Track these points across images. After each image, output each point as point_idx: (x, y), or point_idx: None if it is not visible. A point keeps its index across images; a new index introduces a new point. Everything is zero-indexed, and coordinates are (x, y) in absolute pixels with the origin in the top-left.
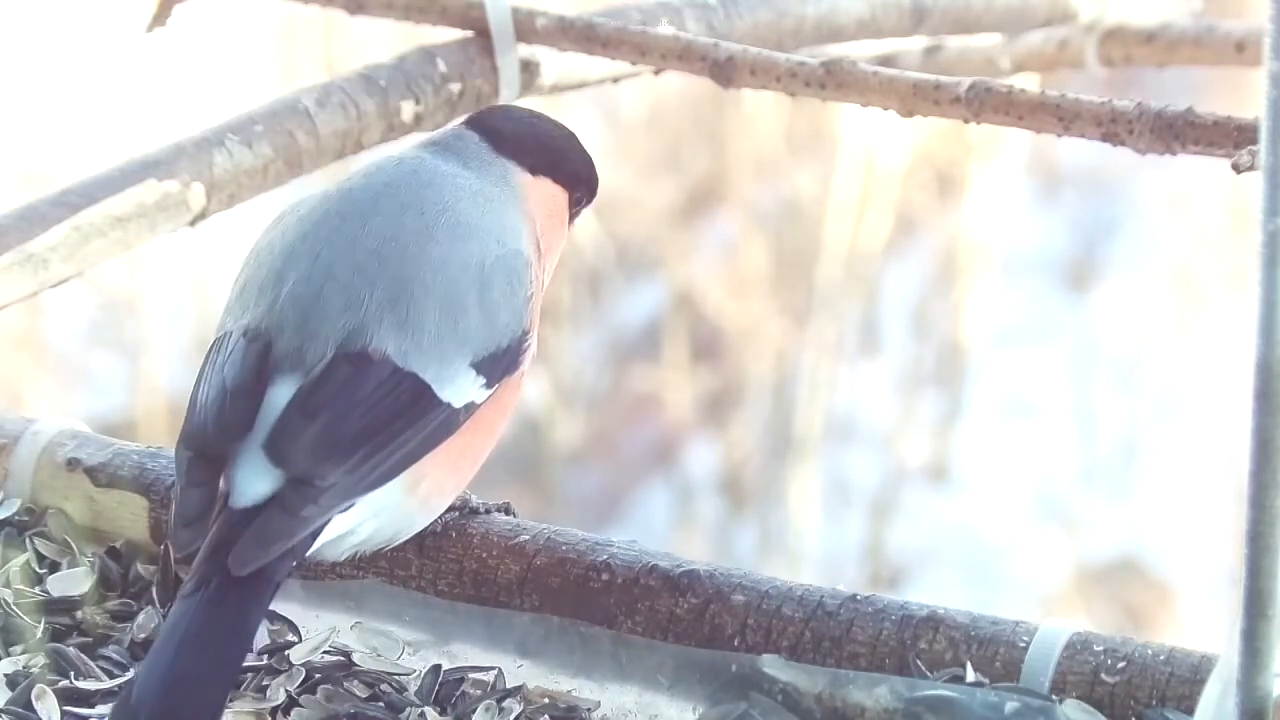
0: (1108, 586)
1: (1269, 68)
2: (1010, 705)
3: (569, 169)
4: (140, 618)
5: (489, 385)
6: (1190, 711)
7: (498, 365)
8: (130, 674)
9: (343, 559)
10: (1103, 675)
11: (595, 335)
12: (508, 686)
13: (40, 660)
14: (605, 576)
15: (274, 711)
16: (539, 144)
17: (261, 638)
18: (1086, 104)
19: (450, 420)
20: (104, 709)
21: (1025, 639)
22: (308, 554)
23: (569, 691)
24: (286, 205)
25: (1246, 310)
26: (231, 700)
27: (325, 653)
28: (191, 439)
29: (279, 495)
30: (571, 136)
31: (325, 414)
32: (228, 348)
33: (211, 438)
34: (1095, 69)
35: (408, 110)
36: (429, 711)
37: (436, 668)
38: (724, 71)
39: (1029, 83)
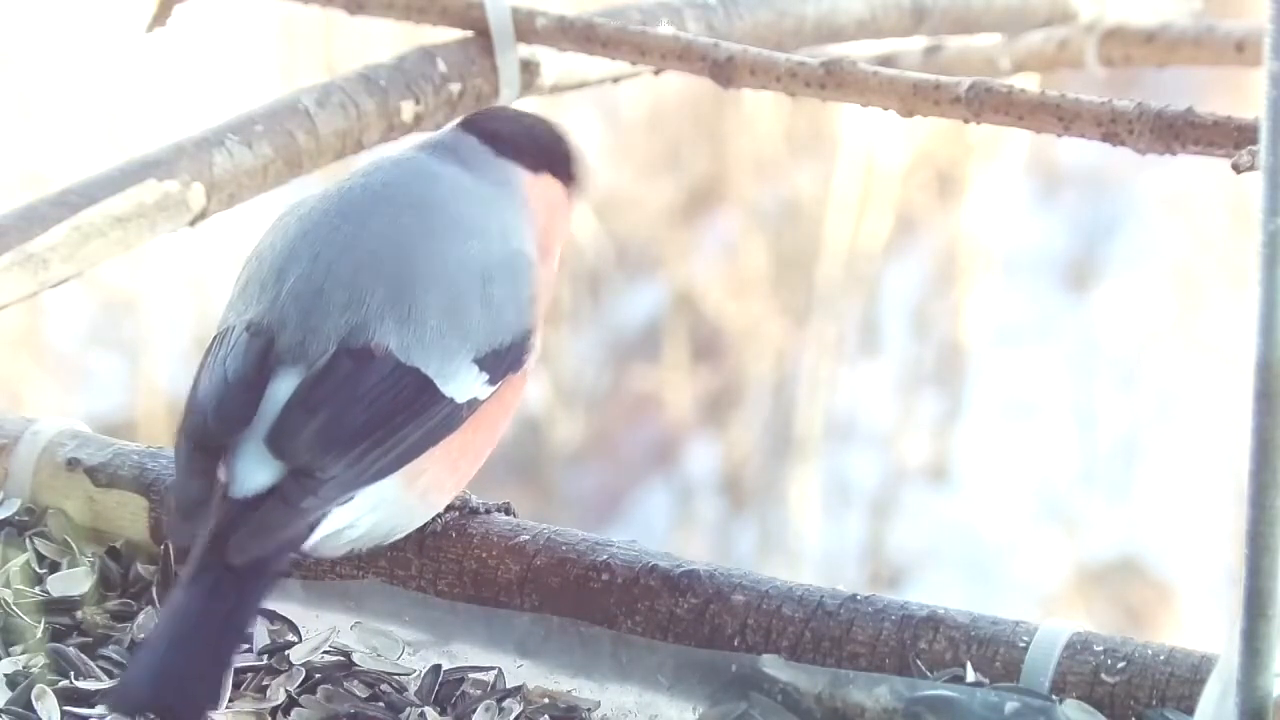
0: (1108, 586)
1: (1269, 68)
2: (1010, 705)
3: (567, 167)
4: (140, 618)
5: (492, 382)
6: (1190, 711)
7: (501, 362)
8: None
9: (340, 555)
10: (1103, 675)
11: (595, 335)
12: (508, 686)
13: (40, 660)
14: (605, 576)
15: (274, 711)
16: (537, 144)
17: (261, 637)
18: (1086, 104)
19: (453, 416)
20: (104, 709)
21: (1025, 639)
22: (306, 547)
23: (569, 691)
24: (287, 206)
25: (1246, 310)
26: (232, 700)
27: (325, 653)
28: (191, 430)
29: (279, 487)
30: (564, 134)
31: (327, 407)
32: (229, 341)
33: (212, 429)
34: (1095, 69)
35: (408, 110)
36: (429, 711)
37: (436, 668)
38: (724, 71)
39: (1029, 83)
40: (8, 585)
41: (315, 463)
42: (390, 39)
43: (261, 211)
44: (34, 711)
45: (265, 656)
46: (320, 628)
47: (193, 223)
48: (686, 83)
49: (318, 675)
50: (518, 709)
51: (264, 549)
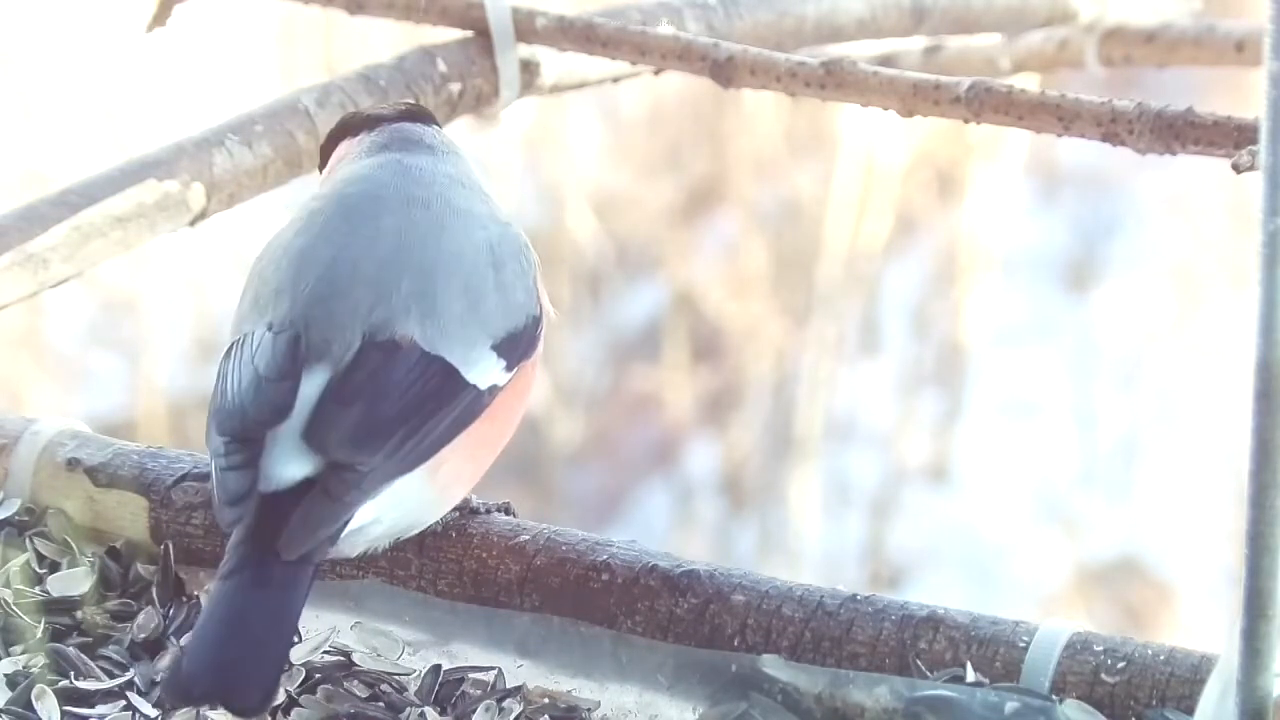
0: (1108, 586)
1: (1269, 68)
2: (1010, 705)
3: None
4: (140, 618)
5: (509, 369)
6: (1190, 711)
7: (516, 347)
8: (130, 673)
9: (356, 554)
10: (1103, 675)
11: (595, 335)
12: (508, 686)
13: (40, 660)
14: (605, 576)
15: (274, 711)
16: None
17: None
18: (1086, 104)
19: (476, 402)
20: (104, 709)
21: (1025, 639)
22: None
23: (569, 691)
24: (268, 241)
25: (1246, 310)
26: None
27: (325, 653)
28: (226, 424)
29: (322, 481)
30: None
31: (361, 400)
32: (253, 343)
33: (251, 422)
34: (1095, 69)
35: None
36: (429, 711)
37: (436, 668)
38: (724, 71)
39: (1029, 83)
40: (8, 585)
41: (354, 456)
42: (390, 39)
43: (261, 211)
44: (34, 711)
45: None
46: (320, 628)
47: (193, 223)
48: (686, 83)
49: (318, 675)
50: (518, 709)
51: (314, 542)
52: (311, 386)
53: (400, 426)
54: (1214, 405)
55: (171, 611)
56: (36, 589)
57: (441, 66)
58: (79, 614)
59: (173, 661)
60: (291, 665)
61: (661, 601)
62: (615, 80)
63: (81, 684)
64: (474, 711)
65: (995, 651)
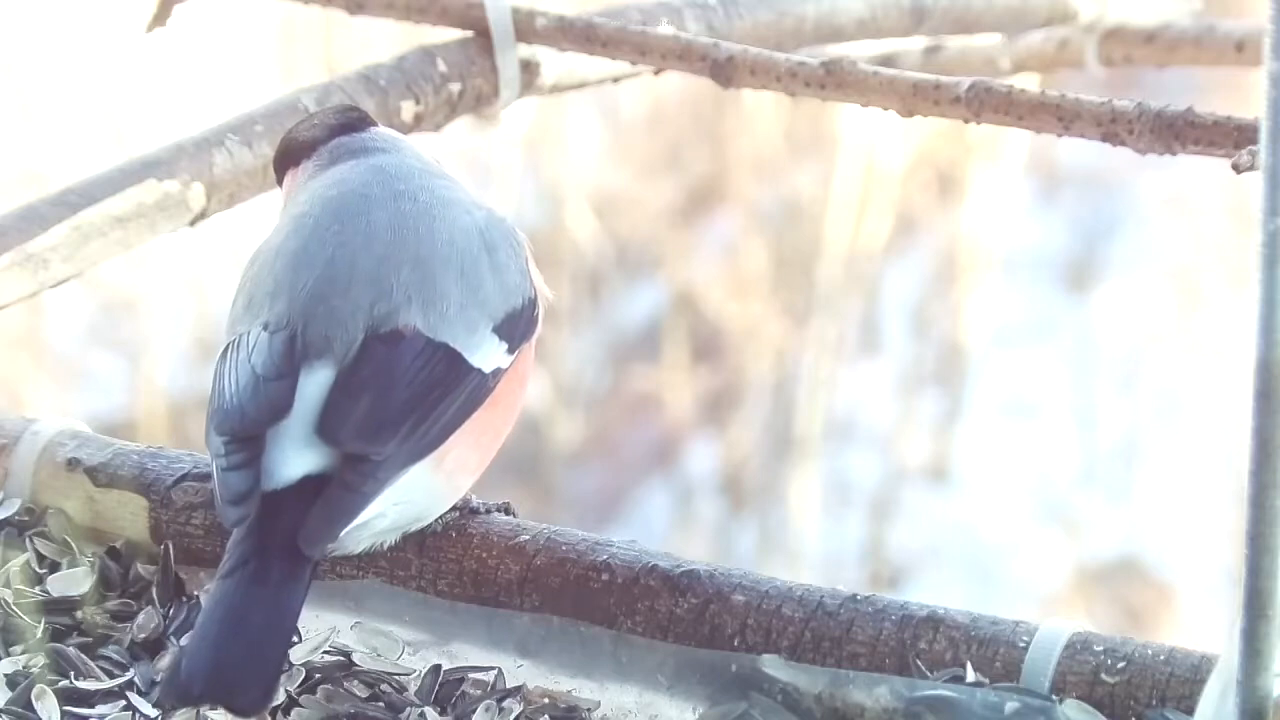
0: (1108, 586)
1: (1269, 68)
2: (1010, 705)
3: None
4: (140, 618)
5: (510, 351)
6: (1190, 711)
7: (516, 329)
8: (130, 673)
9: (360, 550)
10: (1103, 675)
11: (595, 335)
12: (508, 686)
13: (40, 660)
14: (605, 576)
15: (274, 711)
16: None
17: None
18: (1086, 104)
19: (481, 386)
20: (104, 709)
21: (1025, 639)
22: (342, 534)
23: (569, 691)
24: (256, 250)
25: (1246, 310)
26: None
27: (325, 653)
28: (225, 424)
29: (338, 474)
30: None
31: (369, 391)
32: (247, 344)
33: (250, 421)
34: (1095, 69)
35: (408, 110)
36: (429, 711)
37: (436, 668)
38: (724, 71)
39: (1029, 83)
40: (8, 585)
41: (368, 446)
42: (390, 39)
43: (262, 212)
44: (34, 711)
45: None
46: (320, 628)
47: (193, 223)
48: (686, 83)
49: (318, 675)
50: (518, 709)
51: (334, 536)
52: (312, 384)
53: (410, 414)
54: (1214, 405)
55: (171, 611)
56: (36, 589)
57: (441, 66)
58: (79, 614)
59: (172, 661)
60: (291, 665)
61: (661, 601)
62: (615, 80)
63: (81, 684)
64: (474, 711)
65: (995, 651)
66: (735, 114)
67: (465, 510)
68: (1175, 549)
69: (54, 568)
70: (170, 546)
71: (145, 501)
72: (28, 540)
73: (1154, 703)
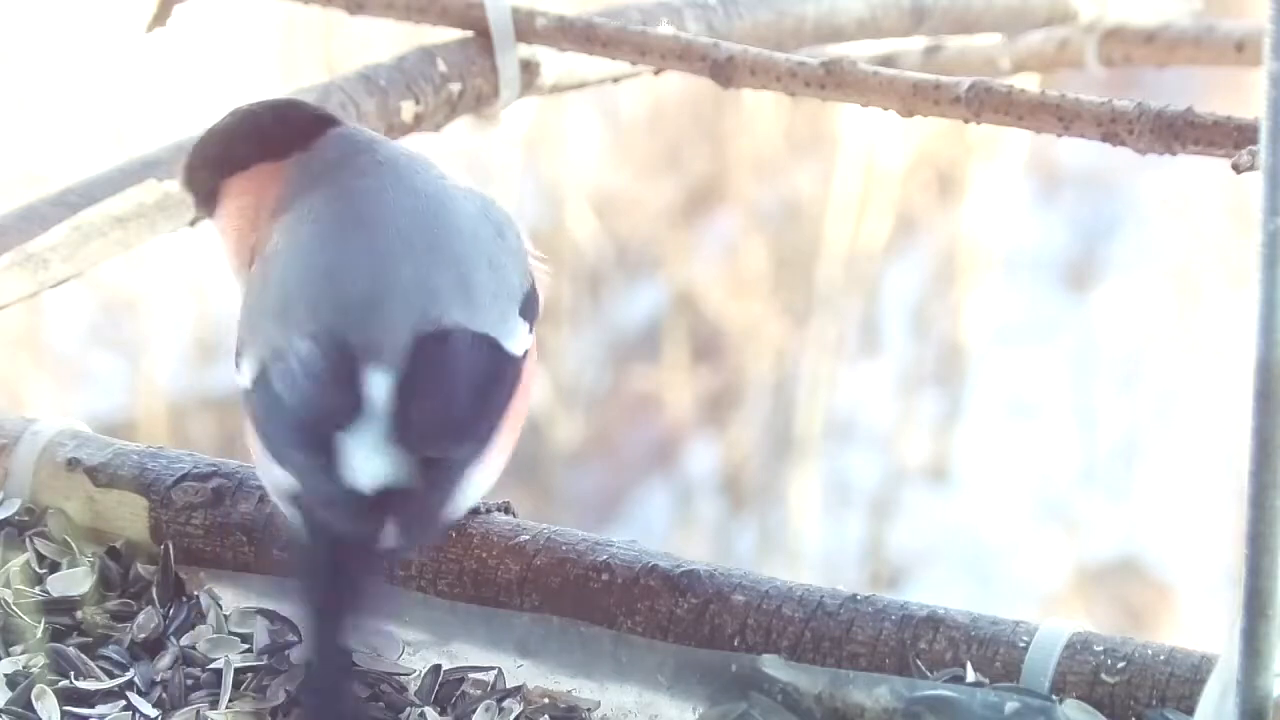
0: (1108, 586)
1: (1269, 68)
2: (1010, 705)
3: None
4: (140, 618)
5: (531, 330)
6: (1190, 711)
7: (531, 309)
8: (130, 673)
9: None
10: (1103, 675)
11: (595, 335)
12: (508, 686)
13: (40, 660)
14: (605, 576)
15: (274, 711)
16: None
17: (261, 637)
18: (1086, 104)
19: (517, 370)
20: (104, 709)
21: (1025, 639)
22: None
23: (569, 691)
24: (265, 267)
25: (1246, 310)
26: (231, 700)
27: None
28: (296, 437)
29: (421, 477)
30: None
31: (433, 393)
32: (298, 355)
33: (324, 430)
34: (1095, 69)
35: (408, 110)
36: (429, 711)
37: (436, 668)
38: (724, 71)
39: (1029, 83)
40: (8, 585)
41: (446, 449)
42: (390, 39)
43: None
44: (34, 711)
45: (265, 656)
46: None
47: (193, 223)
48: (686, 83)
49: None
50: (518, 709)
51: (435, 538)
52: (376, 389)
53: (474, 410)
54: (1214, 405)
55: (171, 611)
56: (36, 589)
57: (441, 66)
58: (79, 614)
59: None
60: (293, 665)
61: (661, 601)
62: (615, 80)
63: (81, 684)
64: (474, 711)
65: (995, 651)
66: (735, 114)
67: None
68: (1175, 549)
69: (54, 568)
70: (170, 546)
71: (145, 501)
72: (28, 540)
73: (1154, 703)
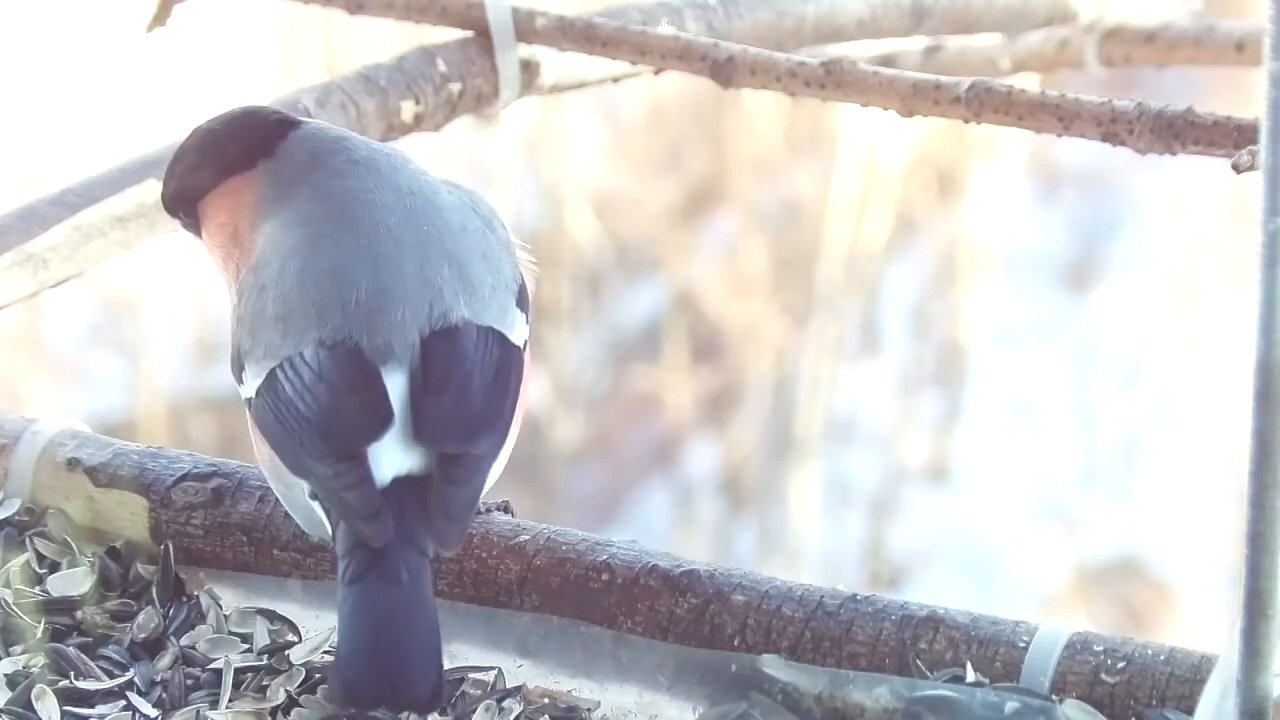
0: (1108, 586)
1: (1269, 68)
2: (1010, 705)
3: None
4: (140, 618)
5: (528, 320)
6: (1190, 711)
7: (525, 300)
8: (130, 673)
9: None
10: (1103, 675)
11: (595, 335)
12: (508, 686)
13: (40, 660)
14: (605, 576)
15: (274, 711)
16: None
17: (261, 637)
18: (1086, 104)
19: (521, 360)
20: (104, 709)
21: (1025, 639)
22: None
23: (569, 691)
24: (256, 276)
25: (1246, 310)
26: (232, 700)
27: (325, 653)
28: (326, 445)
29: (443, 474)
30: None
31: (449, 389)
32: (308, 362)
33: (349, 440)
34: (1095, 69)
35: (408, 110)
36: None
37: None
38: (724, 71)
39: (1029, 83)
40: (8, 585)
41: (468, 444)
42: (390, 39)
43: None
44: (34, 711)
45: (265, 656)
46: (320, 628)
47: None
48: (686, 83)
49: (318, 675)
50: (518, 709)
51: (464, 531)
52: (393, 390)
53: (488, 404)
54: (1214, 405)
55: (171, 611)
56: (36, 589)
57: (441, 66)
58: (79, 614)
59: (330, 671)
60: (293, 665)
61: (661, 601)
62: (615, 80)
63: (81, 684)
64: (474, 711)
65: (995, 651)
66: (735, 114)
67: None
68: (1175, 549)
69: (54, 568)
70: (170, 546)
71: (145, 501)
72: (28, 540)
73: (1154, 703)
